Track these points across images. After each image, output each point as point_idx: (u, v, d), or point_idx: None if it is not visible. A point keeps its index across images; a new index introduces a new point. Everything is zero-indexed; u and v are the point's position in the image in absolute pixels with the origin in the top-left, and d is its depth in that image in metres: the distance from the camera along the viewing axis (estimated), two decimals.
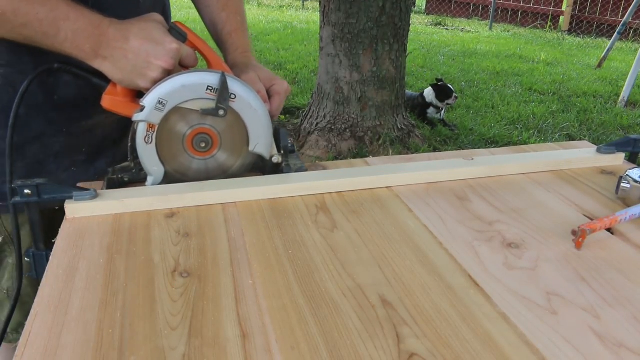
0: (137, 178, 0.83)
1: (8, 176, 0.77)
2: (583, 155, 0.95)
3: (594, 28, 7.77)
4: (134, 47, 0.75)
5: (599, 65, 5.73)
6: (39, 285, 0.60)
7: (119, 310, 0.55)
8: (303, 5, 9.90)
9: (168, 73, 0.77)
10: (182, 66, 0.80)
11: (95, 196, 0.74)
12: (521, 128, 3.90)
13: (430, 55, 6.17)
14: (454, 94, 3.86)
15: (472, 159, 0.90)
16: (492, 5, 8.14)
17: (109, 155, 0.94)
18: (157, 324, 0.53)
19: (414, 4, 9.56)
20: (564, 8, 7.93)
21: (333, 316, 0.55)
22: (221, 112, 0.78)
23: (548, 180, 0.87)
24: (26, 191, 0.70)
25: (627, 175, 0.79)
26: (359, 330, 0.53)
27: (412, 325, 0.54)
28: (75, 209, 0.73)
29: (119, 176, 0.83)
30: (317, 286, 0.60)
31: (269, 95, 0.87)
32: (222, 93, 0.77)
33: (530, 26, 8.11)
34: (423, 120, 3.90)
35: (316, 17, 6.82)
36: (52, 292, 0.58)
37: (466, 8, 8.88)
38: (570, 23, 7.89)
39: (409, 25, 3.36)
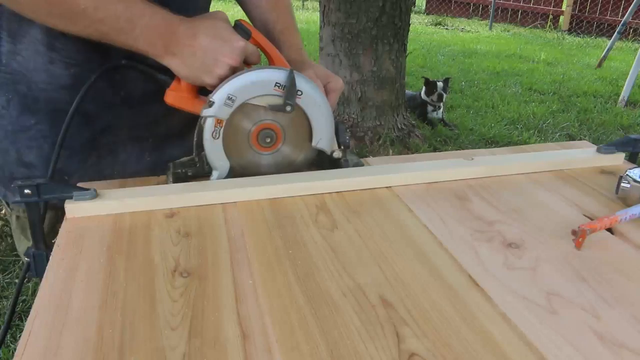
0: (201, 172, 0.84)
1: (51, 168, 0.79)
2: (583, 155, 0.95)
3: (594, 28, 7.77)
4: (203, 45, 0.76)
5: (599, 65, 5.73)
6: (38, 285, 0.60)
7: (119, 310, 0.55)
8: (303, 5, 9.91)
9: (233, 70, 0.78)
10: (246, 63, 0.81)
11: (95, 196, 0.74)
12: (521, 128, 3.90)
13: (430, 55, 6.17)
14: (436, 90, 3.82)
15: (472, 159, 0.91)
16: (492, 5, 8.14)
17: (174, 149, 0.96)
18: (157, 324, 0.53)
19: (414, 3, 9.56)
20: (564, 8, 7.93)
21: (333, 316, 0.55)
22: (288, 108, 0.80)
23: (548, 180, 0.87)
24: (26, 191, 0.70)
25: (627, 175, 0.79)
26: (359, 330, 0.53)
27: (412, 325, 0.54)
28: (75, 209, 0.73)
29: (183, 170, 0.84)
30: (317, 286, 0.60)
31: (325, 92, 0.88)
32: (290, 89, 0.79)
33: (530, 26, 8.11)
34: (423, 120, 3.90)
35: (316, 17, 6.83)
36: (52, 291, 0.58)
37: (466, 8, 8.88)
38: (570, 23, 7.89)
39: (409, 25, 3.36)
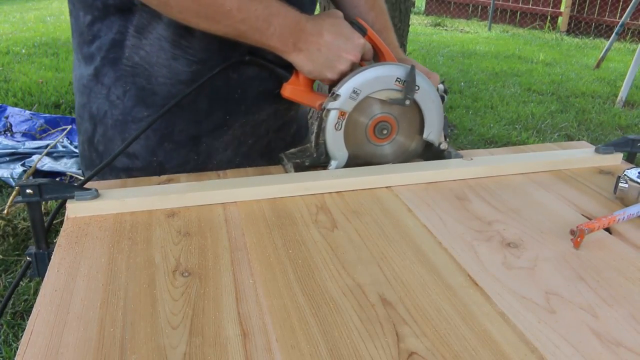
0: (317, 162, 0.88)
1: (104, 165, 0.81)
2: (581, 155, 0.95)
3: (592, 29, 7.77)
4: (327, 42, 0.82)
5: (597, 66, 5.73)
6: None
7: (120, 309, 0.56)
8: None
9: (353, 66, 0.84)
10: (361, 59, 0.86)
11: (96, 196, 0.74)
12: (520, 128, 3.91)
13: (429, 55, 6.17)
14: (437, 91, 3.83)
15: (472, 159, 0.91)
16: (491, 6, 8.14)
17: (267, 146, 1.00)
18: (158, 323, 0.54)
19: (413, 4, 9.56)
20: (562, 9, 7.94)
21: (333, 315, 0.55)
22: (407, 102, 0.85)
23: (547, 180, 0.88)
24: (28, 191, 0.70)
25: (625, 175, 0.80)
26: (358, 330, 0.53)
27: (412, 324, 0.54)
28: (76, 209, 0.73)
29: (302, 160, 0.88)
30: (317, 285, 0.60)
31: None
32: (410, 85, 0.84)
33: (529, 27, 8.12)
34: None
35: None
36: (53, 291, 0.58)
37: (465, 9, 8.88)
38: (569, 24, 7.89)
39: (409, 26, 3.36)
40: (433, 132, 0.90)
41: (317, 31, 0.81)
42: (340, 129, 0.84)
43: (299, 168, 0.88)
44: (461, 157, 0.93)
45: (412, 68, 0.84)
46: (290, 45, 0.81)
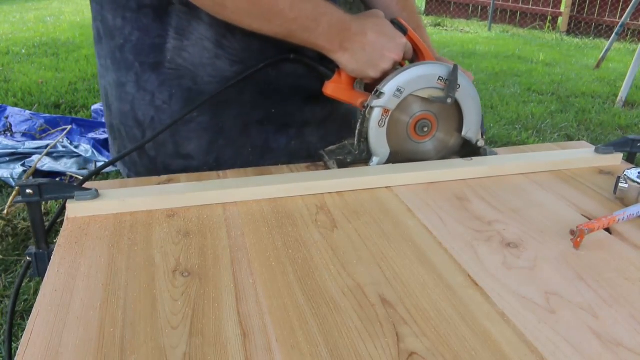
0: (358, 159, 0.90)
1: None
2: (581, 155, 0.95)
3: (592, 29, 7.77)
4: (371, 41, 0.83)
5: (597, 66, 5.73)
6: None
7: (120, 309, 0.56)
8: None
9: (395, 65, 0.86)
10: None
11: (96, 196, 0.74)
12: (520, 128, 3.91)
13: None
14: None
15: (472, 159, 0.91)
16: (491, 6, 8.14)
17: (313, 136, 1.01)
18: (158, 323, 0.54)
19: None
20: (562, 9, 7.94)
21: (333, 315, 0.55)
22: (449, 101, 0.87)
23: (547, 180, 0.88)
24: (28, 191, 0.70)
25: (625, 175, 0.80)
26: (358, 330, 0.53)
27: (412, 324, 0.54)
28: (76, 209, 0.73)
29: (344, 157, 0.90)
30: (317, 286, 0.60)
31: None
32: (452, 83, 0.86)
33: (529, 27, 8.12)
34: None
35: None
36: (53, 291, 0.58)
37: (465, 9, 8.88)
38: (569, 24, 7.89)
39: None
40: (472, 129, 0.91)
41: (362, 30, 0.83)
42: (383, 126, 0.86)
43: (343, 165, 0.90)
44: (496, 154, 0.95)
45: (455, 67, 0.86)
46: (337, 44, 0.83)
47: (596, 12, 7.69)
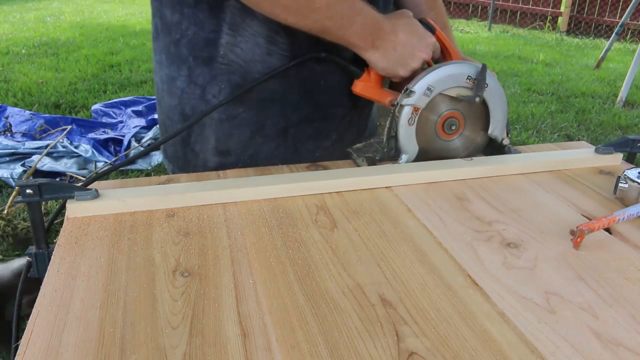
0: (386, 156, 0.92)
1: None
2: (581, 155, 0.95)
3: (592, 29, 7.77)
4: (402, 40, 0.85)
5: (597, 66, 5.73)
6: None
7: (120, 309, 0.56)
8: None
9: (424, 64, 0.88)
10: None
11: (96, 196, 0.74)
12: (520, 128, 3.91)
13: None
14: None
15: (472, 159, 0.91)
16: (491, 6, 8.14)
17: (341, 135, 1.02)
18: (158, 323, 0.54)
19: None
20: (562, 9, 7.94)
21: (333, 315, 0.55)
22: (477, 99, 0.88)
23: (547, 181, 0.88)
24: (28, 191, 0.70)
25: (625, 175, 0.80)
26: (358, 330, 0.53)
27: (412, 324, 0.54)
28: (76, 209, 0.73)
29: (373, 154, 0.92)
30: (317, 286, 0.60)
31: None
32: (481, 83, 0.87)
33: (529, 27, 8.12)
34: None
35: None
36: (53, 291, 0.58)
37: (465, 9, 8.88)
38: (569, 24, 7.89)
39: None
40: (497, 128, 0.93)
41: (393, 30, 0.85)
42: (413, 124, 0.87)
43: (372, 162, 0.92)
44: (519, 152, 0.96)
45: (484, 67, 0.87)
46: (369, 42, 0.84)
47: (596, 12, 7.69)
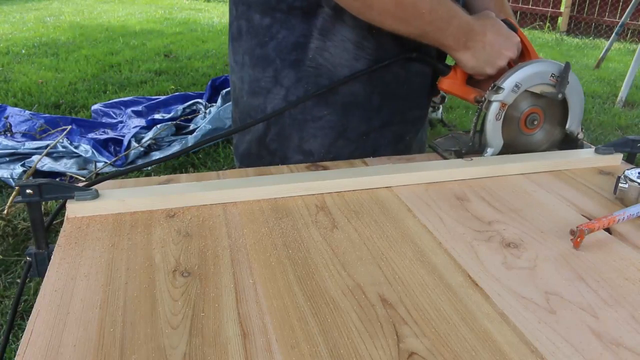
0: (471, 150, 0.95)
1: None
2: (581, 155, 0.95)
3: (592, 29, 7.77)
4: (490, 40, 0.89)
5: (597, 66, 5.73)
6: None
7: (120, 309, 0.56)
8: None
9: (509, 62, 0.92)
10: None
11: (96, 196, 0.74)
12: None
13: None
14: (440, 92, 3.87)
15: (472, 160, 0.91)
16: None
17: (407, 133, 1.05)
18: (158, 323, 0.54)
19: None
20: (562, 9, 7.93)
21: (333, 315, 0.55)
22: (560, 96, 0.91)
23: (547, 181, 0.88)
24: (28, 191, 0.70)
25: (625, 175, 0.80)
26: (358, 330, 0.53)
27: (412, 324, 0.54)
28: (76, 209, 0.73)
29: (459, 148, 0.96)
30: (317, 286, 0.60)
31: None
32: (563, 80, 0.91)
33: (528, 27, 8.12)
34: None
35: None
36: (53, 291, 0.58)
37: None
38: (569, 24, 7.89)
39: None
40: (574, 123, 0.96)
41: (482, 30, 0.88)
42: (500, 119, 0.91)
43: (459, 155, 0.95)
44: (591, 147, 0.98)
45: (567, 65, 0.90)
46: (462, 43, 0.88)
47: (596, 12, 7.69)
